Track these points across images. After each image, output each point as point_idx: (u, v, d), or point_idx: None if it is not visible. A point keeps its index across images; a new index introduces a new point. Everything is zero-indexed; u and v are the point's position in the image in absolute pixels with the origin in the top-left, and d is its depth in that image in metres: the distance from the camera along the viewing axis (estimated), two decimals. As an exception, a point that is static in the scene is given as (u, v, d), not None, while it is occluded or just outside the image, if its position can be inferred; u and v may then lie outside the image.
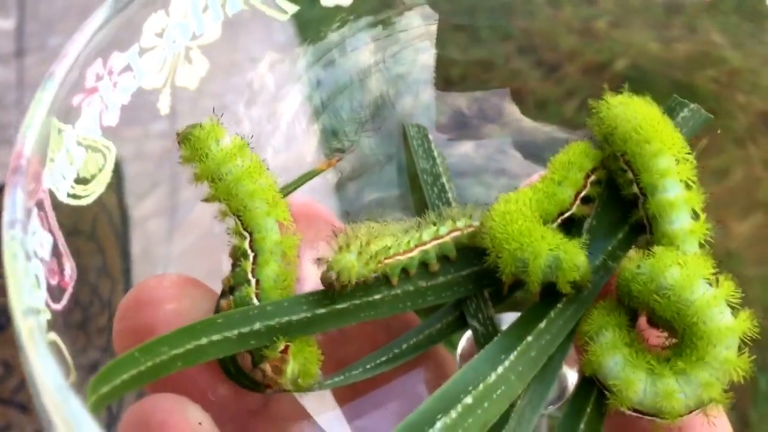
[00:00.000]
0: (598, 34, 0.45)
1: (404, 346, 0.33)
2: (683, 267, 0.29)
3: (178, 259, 0.39)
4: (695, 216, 0.32)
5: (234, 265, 0.32)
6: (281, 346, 0.29)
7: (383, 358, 0.33)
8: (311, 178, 0.37)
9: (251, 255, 0.31)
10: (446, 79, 0.47)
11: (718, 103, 0.43)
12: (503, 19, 0.46)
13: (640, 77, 0.44)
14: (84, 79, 0.30)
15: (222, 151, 0.32)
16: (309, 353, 0.30)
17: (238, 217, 0.32)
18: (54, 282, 0.27)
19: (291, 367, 0.29)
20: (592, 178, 0.34)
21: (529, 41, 0.47)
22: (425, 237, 0.33)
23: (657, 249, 0.30)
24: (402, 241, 0.32)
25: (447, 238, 0.34)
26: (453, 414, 0.27)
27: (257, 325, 0.29)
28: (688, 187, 0.32)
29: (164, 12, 0.33)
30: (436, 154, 0.41)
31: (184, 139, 0.32)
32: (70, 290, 0.28)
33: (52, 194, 0.29)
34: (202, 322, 0.28)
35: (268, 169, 0.33)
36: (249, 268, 0.31)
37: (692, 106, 0.36)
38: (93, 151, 0.31)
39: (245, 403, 0.32)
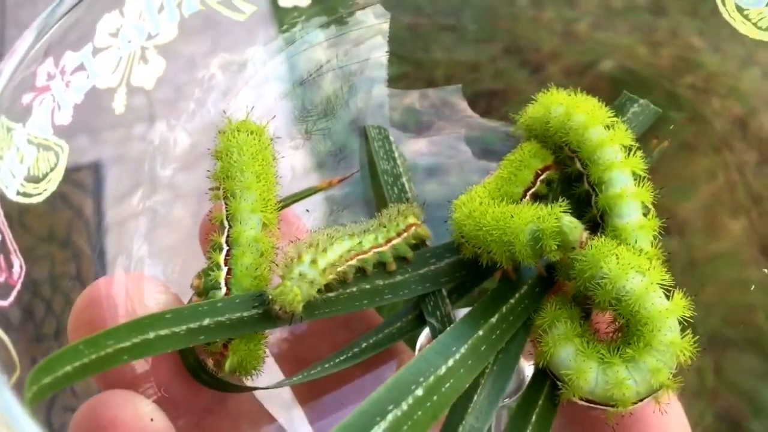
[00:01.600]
0: (580, 36, 0.45)
1: (364, 344, 0.33)
2: (619, 258, 0.29)
3: (155, 260, 0.39)
4: (646, 211, 0.32)
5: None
6: (222, 342, 0.29)
7: (342, 357, 0.33)
8: (310, 195, 0.38)
9: (225, 248, 0.32)
10: (429, 80, 0.46)
11: (695, 107, 0.43)
12: (488, 20, 0.46)
13: (623, 78, 0.44)
14: (35, 77, 0.30)
15: (247, 140, 0.34)
16: (251, 350, 0.30)
17: (227, 204, 0.32)
18: (1, 279, 0.27)
19: (229, 362, 0.30)
20: (543, 177, 0.35)
21: (514, 42, 0.47)
22: (380, 239, 0.33)
23: (597, 240, 0.30)
24: (354, 244, 0.32)
25: (399, 240, 0.34)
26: (404, 406, 0.26)
27: (206, 321, 0.28)
28: (638, 179, 0.32)
29: (118, 12, 0.33)
30: (396, 155, 0.41)
31: (237, 122, 0.35)
32: (18, 287, 0.28)
33: (0, 192, 0.28)
34: (149, 316, 0.27)
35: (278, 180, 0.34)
36: (221, 260, 0.31)
37: (641, 101, 0.36)
38: (45, 150, 0.31)
39: (201, 400, 0.32)
